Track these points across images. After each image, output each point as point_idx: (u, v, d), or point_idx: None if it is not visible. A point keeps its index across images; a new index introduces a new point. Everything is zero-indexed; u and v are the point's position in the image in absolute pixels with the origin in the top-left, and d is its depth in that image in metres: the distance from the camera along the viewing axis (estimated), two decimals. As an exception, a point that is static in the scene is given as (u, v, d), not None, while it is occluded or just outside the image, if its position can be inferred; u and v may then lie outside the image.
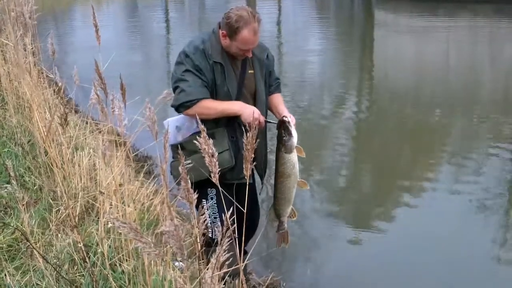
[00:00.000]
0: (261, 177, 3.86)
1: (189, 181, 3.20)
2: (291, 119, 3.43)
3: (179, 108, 3.43)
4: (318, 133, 7.76)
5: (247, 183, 2.31)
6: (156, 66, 12.90)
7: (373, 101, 9.92)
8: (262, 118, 3.46)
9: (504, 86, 10.50)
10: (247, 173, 2.12)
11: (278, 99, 3.79)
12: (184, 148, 3.37)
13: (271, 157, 3.65)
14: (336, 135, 7.89)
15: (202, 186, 3.33)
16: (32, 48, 5.85)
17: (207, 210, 3.57)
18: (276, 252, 4.77)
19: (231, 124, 3.50)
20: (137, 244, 1.82)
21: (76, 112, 7.14)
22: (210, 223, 3.57)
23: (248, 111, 3.36)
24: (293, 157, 3.41)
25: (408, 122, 8.43)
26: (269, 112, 3.78)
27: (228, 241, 1.86)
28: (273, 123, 3.55)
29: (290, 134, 3.35)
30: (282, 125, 3.38)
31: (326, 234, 5.29)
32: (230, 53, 3.45)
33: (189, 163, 3.36)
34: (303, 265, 4.78)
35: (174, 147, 3.46)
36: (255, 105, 3.54)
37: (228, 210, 2.04)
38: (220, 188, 2.19)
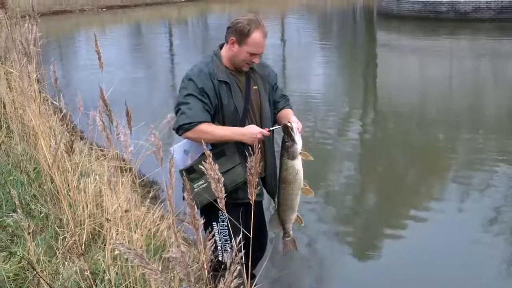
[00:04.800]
0: (273, 195, 3.71)
1: (202, 203, 3.20)
2: (297, 125, 3.35)
3: (179, 130, 3.39)
4: (323, 152, 7.73)
5: (253, 206, 2.27)
6: (159, 87, 12.97)
7: (377, 120, 9.92)
8: (265, 132, 3.39)
9: (508, 104, 10.47)
10: (252, 197, 2.10)
11: (288, 112, 3.70)
12: (195, 170, 3.35)
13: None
14: (342, 154, 7.87)
15: (213, 208, 3.31)
16: (36, 76, 5.87)
17: (218, 233, 3.53)
18: (284, 276, 4.73)
19: None
20: (143, 270, 1.80)
21: (81, 138, 7.15)
22: (221, 247, 3.53)
23: (248, 134, 3.34)
24: (297, 163, 3.33)
25: (413, 141, 8.41)
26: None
27: (237, 267, 1.83)
28: (278, 127, 3.47)
29: (293, 140, 3.27)
30: (285, 131, 3.31)
31: (333, 255, 5.25)
32: (235, 65, 3.45)
33: (203, 183, 3.36)
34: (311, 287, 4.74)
35: (183, 172, 3.41)
36: (261, 121, 3.52)
37: (239, 234, 2.01)
38: (226, 214, 2.17)
